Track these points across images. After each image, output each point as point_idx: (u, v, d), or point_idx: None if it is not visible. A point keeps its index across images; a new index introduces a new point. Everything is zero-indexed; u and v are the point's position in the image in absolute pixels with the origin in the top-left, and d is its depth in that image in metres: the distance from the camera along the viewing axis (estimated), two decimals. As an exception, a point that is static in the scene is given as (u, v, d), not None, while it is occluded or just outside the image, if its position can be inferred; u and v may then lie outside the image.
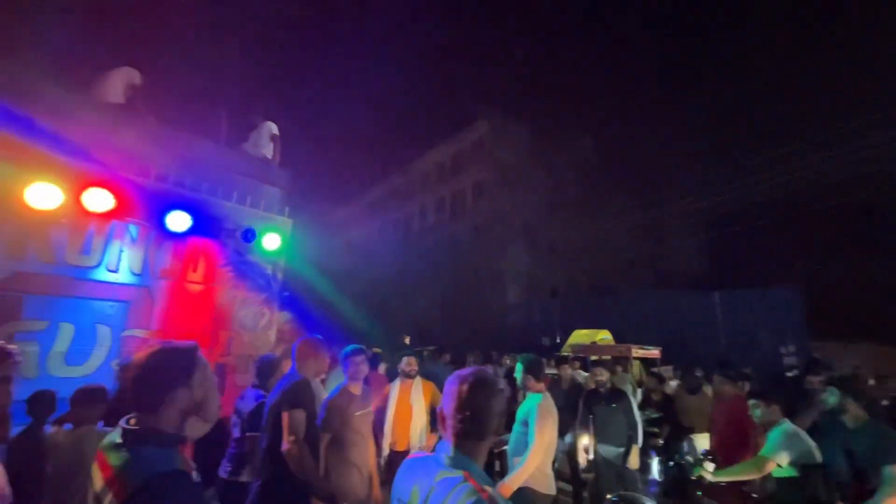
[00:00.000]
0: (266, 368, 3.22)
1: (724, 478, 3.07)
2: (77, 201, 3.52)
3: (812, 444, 2.91)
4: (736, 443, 3.82)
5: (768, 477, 3.04)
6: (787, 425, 2.99)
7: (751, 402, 3.21)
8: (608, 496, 3.72)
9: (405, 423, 4.03)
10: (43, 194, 3.34)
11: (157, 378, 1.32)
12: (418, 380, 4.19)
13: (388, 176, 34.87)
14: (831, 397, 3.02)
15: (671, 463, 3.39)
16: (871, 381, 6.47)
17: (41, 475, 2.37)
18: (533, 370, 3.13)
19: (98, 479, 1.25)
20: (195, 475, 1.30)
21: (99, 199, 3.58)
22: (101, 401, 2.60)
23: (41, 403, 2.68)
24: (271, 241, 4.68)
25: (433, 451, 1.36)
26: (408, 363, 4.22)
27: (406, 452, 3.69)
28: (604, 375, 4.44)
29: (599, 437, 4.25)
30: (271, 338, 4.88)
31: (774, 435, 2.97)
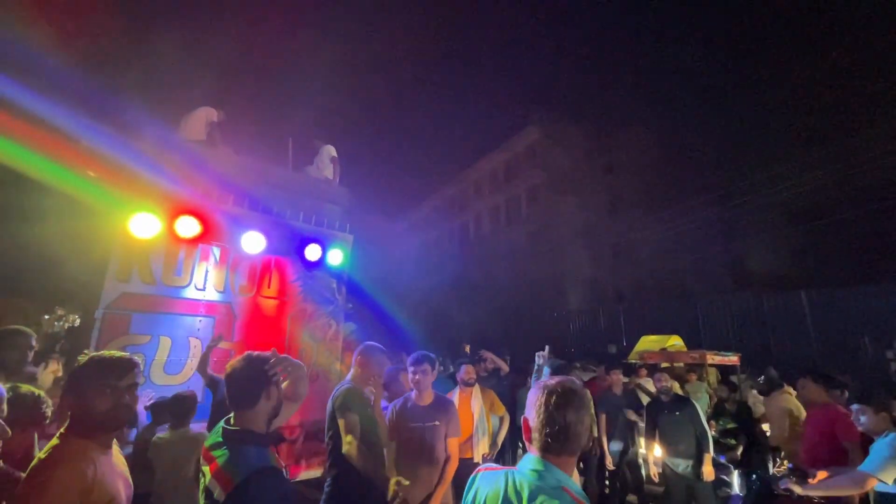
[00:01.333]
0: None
1: (816, 492, 2.81)
2: (170, 228, 4.01)
3: None
4: (827, 458, 3.46)
5: (869, 492, 2.75)
6: (893, 436, 2.69)
7: (854, 407, 2.91)
8: None
9: (466, 432, 4.09)
10: (144, 224, 3.84)
11: (246, 382, 1.56)
12: (477, 388, 4.23)
13: (442, 186, 35.42)
14: None
15: (753, 476, 3.14)
16: None
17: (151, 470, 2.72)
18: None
19: (207, 474, 1.47)
20: (285, 471, 1.53)
21: (188, 226, 4.04)
22: (193, 405, 2.95)
23: (161, 409, 3.11)
24: (335, 257, 4.99)
25: (514, 463, 1.30)
26: (466, 371, 4.27)
27: (468, 461, 3.73)
28: (667, 382, 4.23)
29: (666, 448, 4.05)
30: (338, 348, 5.17)
31: (879, 447, 2.65)
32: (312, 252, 4.74)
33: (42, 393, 2.15)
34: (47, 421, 2.14)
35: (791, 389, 4.27)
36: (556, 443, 1.19)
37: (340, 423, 2.69)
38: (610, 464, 4.77)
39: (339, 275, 5.27)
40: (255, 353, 1.65)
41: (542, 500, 1.11)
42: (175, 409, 2.92)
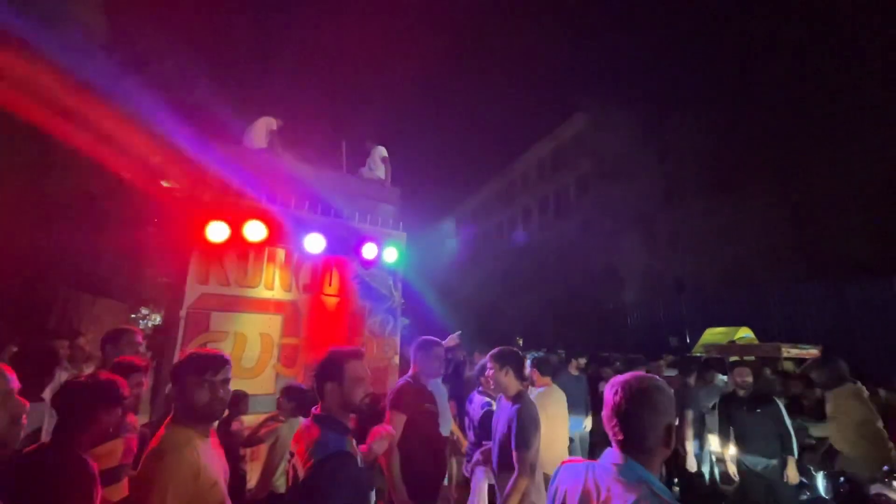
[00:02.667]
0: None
1: None
2: (239, 233, 4.30)
3: None
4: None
5: None
6: None
7: None
8: None
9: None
10: (217, 230, 4.15)
11: (315, 376, 1.79)
12: (553, 387, 4.16)
13: (490, 180, 35.20)
14: None
15: (842, 479, 2.91)
16: None
17: (238, 453, 2.95)
18: (539, 366, 3.46)
19: (294, 455, 1.64)
20: (359, 459, 1.67)
21: (256, 230, 4.32)
22: (302, 397, 3.16)
23: (237, 400, 3.36)
24: (390, 255, 5.13)
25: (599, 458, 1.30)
26: None
27: None
28: (748, 377, 3.98)
29: (743, 447, 3.83)
30: (396, 344, 5.32)
31: None
32: (369, 251, 4.91)
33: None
34: None
35: (861, 387, 3.73)
36: (624, 438, 1.19)
37: (387, 415, 2.74)
38: (692, 465, 4.59)
39: (394, 272, 5.41)
40: (334, 349, 1.86)
41: (620, 492, 1.12)
42: (300, 398, 3.10)
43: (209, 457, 1.56)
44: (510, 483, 2.36)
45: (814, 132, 19.87)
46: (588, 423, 5.27)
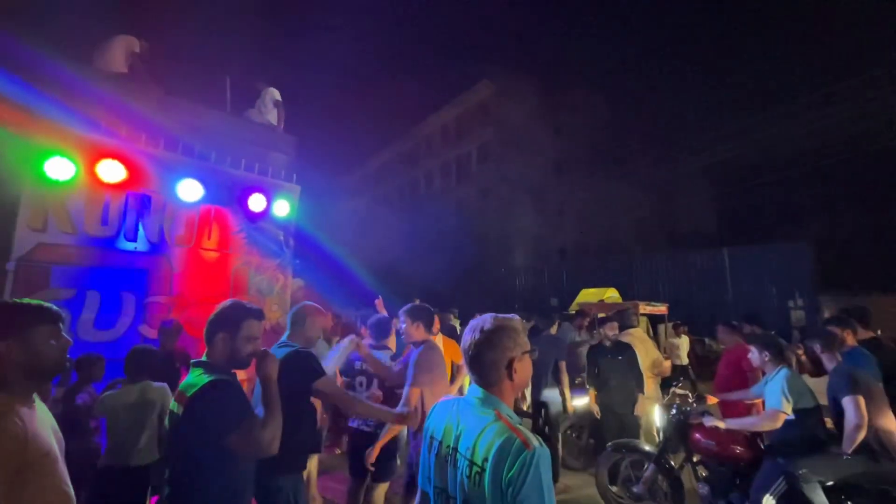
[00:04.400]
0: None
1: (735, 426, 3.15)
2: (92, 173, 3.61)
3: (808, 386, 3.02)
4: (735, 387, 3.98)
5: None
6: (784, 370, 3.08)
7: (752, 348, 3.34)
8: (609, 444, 3.93)
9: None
10: (58, 167, 3.42)
11: (210, 323, 1.77)
12: (440, 337, 4.30)
13: (394, 141, 34.40)
14: None
15: (674, 411, 3.54)
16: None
17: (88, 426, 2.58)
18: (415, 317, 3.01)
19: (176, 405, 1.68)
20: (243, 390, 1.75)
21: (112, 170, 3.66)
22: (152, 360, 2.82)
23: (88, 364, 2.92)
24: (281, 208, 4.76)
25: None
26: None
27: None
28: (614, 330, 4.60)
29: (605, 388, 4.44)
30: (287, 303, 5.04)
31: (776, 383, 3.04)
32: (256, 202, 4.49)
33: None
34: None
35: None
36: (475, 374, 1.31)
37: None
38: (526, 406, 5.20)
39: (286, 227, 5.06)
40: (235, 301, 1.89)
41: (473, 421, 1.25)
42: (133, 362, 2.76)
43: (38, 425, 1.31)
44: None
45: (678, 118, 22.79)
46: None
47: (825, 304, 11.26)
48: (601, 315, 8.63)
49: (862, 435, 2.70)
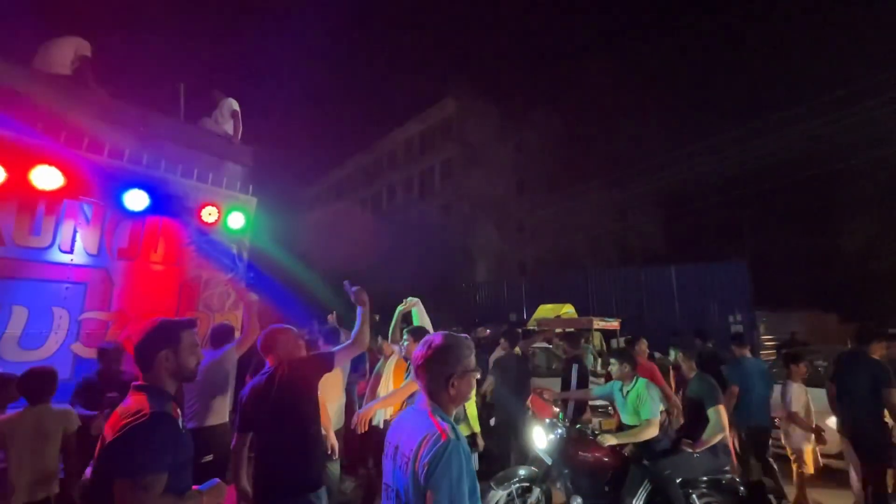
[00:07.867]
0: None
1: (624, 440, 3.40)
2: (24, 180, 3.36)
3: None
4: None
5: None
6: (642, 381, 3.49)
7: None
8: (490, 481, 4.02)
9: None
10: (-15, 172, 3.17)
11: (146, 344, 1.61)
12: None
13: (356, 154, 34.18)
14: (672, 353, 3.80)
15: (578, 426, 3.66)
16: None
17: None
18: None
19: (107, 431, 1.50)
20: (180, 422, 1.59)
21: (47, 177, 3.42)
22: (51, 381, 2.60)
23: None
24: (235, 220, 4.60)
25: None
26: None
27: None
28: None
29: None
30: (239, 319, 4.84)
31: (645, 394, 3.41)
32: (208, 214, 4.32)
33: None
34: None
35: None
36: (421, 383, 1.45)
37: None
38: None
39: (241, 241, 4.89)
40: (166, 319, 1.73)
41: (412, 423, 1.40)
42: (29, 385, 2.53)
43: None
44: None
45: (633, 147, 24.11)
46: None
47: (759, 321, 12.10)
48: (558, 330, 8.87)
49: (719, 439, 3.22)
